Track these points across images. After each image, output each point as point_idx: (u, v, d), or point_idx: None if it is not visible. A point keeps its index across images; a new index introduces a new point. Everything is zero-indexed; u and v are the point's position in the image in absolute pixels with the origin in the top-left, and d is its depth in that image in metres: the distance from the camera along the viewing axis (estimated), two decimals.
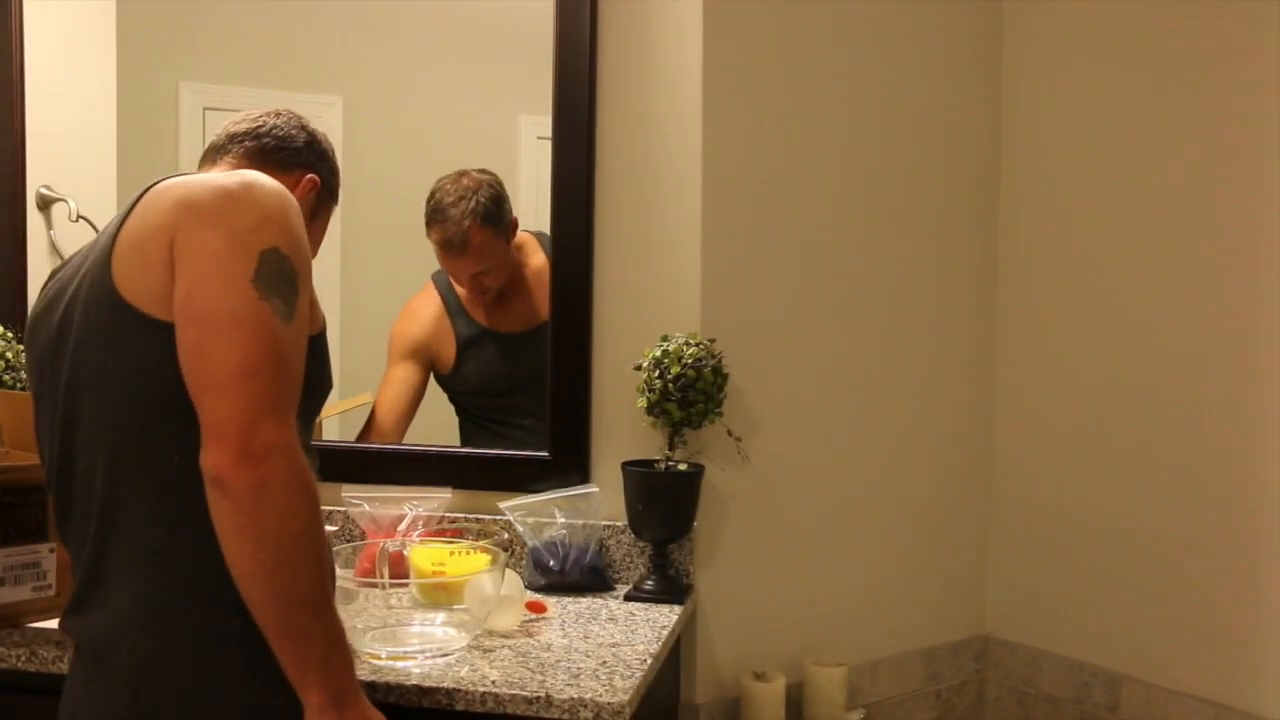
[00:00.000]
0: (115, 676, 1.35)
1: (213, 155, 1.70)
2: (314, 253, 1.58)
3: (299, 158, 1.73)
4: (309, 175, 1.73)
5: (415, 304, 2.60)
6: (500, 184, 2.50)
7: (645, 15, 2.26)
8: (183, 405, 1.29)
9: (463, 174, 2.49)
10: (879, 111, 2.48)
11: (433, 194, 2.49)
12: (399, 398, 2.54)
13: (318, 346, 1.44)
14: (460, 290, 2.55)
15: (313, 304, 1.42)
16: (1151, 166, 2.35)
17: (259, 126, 1.71)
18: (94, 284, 1.36)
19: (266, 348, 1.27)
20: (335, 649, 1.30)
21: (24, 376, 2.41)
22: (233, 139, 1.70)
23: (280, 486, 1.24)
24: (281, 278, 1.30)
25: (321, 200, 1.77)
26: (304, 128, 1.76)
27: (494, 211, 2.48)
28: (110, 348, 1.34)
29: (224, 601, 1.30)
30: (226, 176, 1.37)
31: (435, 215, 2.48)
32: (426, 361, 2.55)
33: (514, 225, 2.52)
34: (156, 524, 1.34)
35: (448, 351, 2.54)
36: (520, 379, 2.53)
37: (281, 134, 1.73)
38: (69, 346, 1.39)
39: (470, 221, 2.45)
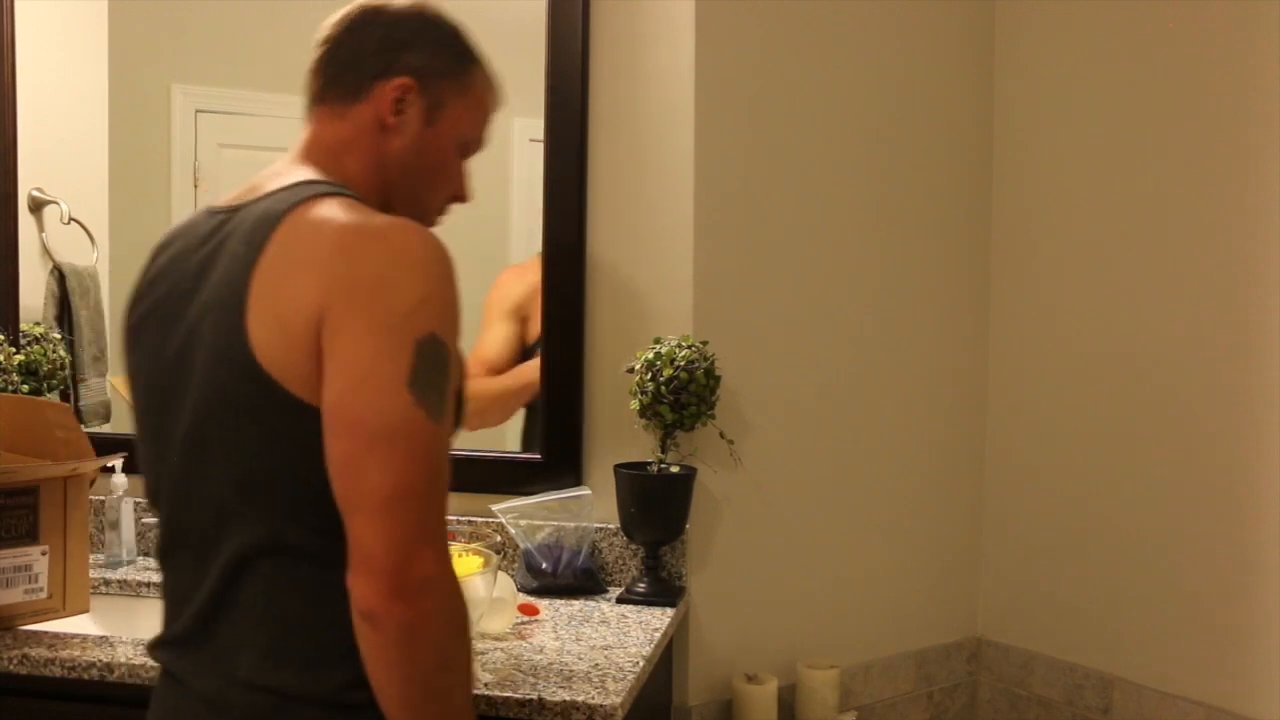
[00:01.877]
0: None
1: (309, 97, 1.43)
2: (450, 157, 1.44)
3: (369, 67, 1.38)
4: (395, 82, 1.38)
5: (515, 270, 2.59)
6: None
7: (637, 17, 2.26)
8: (326, 490, 1.18)
9: None
10: (871, 112, 2.49)
11: None
12: (504, 351, 2.55)
13: (456, 401, 1.30)
14: None
15: (459, 360, 1.29)
16: (1144, 160, 2.35)
17: (330, 48, 1.40)
18: (225, 337, 1.23)
19: (423, 465, 1.15)
20: None
21: (15, 379, 2.41)
22: (316, 73, 1.42)
23: (436, 623, 1.15)
24: (436, 368, 1.17)
25: (431, 90, 1.40)
26: (383, 17, 1.40)
27: None
28: (251, 416, 1.22)
29: (348, 674, 1.23)
30: (375, 230, 1.22)
31: None
32: (520, 321, 2.57)
33: None
34: (291, 594, 1.25)
35: (537, 317, 2.54)
36: None
37: (347, 49, 1.40)
38: (189, 389, 1.28)
39: None
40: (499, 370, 2.54)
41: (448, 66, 1.41)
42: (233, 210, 1.32)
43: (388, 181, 1.39)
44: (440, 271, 1.22)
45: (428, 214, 1.45)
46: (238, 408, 1.23)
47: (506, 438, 2.53)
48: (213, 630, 1.29)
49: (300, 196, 1.26)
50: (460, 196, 1.49)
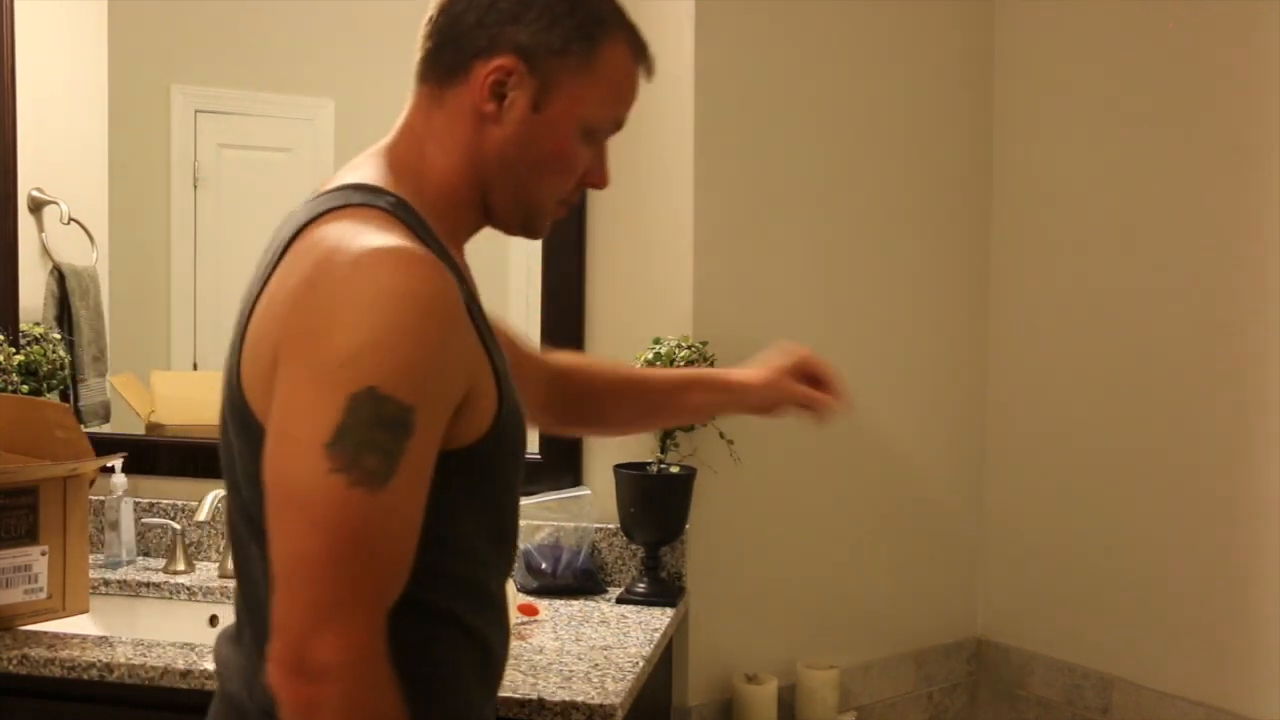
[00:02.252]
0: None
1: (415, 76, 1.25)
2: (568, 145, 1.22)
3: (473, 41, 1.18)
4: (494, 63, 1.17)
5: None
6: None
7: (637, 17, 2.24)
8: None
9: None
10: (872, 113, 2.49)
11: None
12: None
13: (476, 457, 1.15)
14: None
15: (471, 406, 1.12)
16: (1144, 166, 2.35)
17: (433, 16, 1.22)
18: (230, 360, 1.15)
19: (331, 538, 1.00)
20: None
21: (15, 379, 2.41)
22: (421, 46, 1.24)
23: (332, 715, 1.01)
24: (378, 427, 1.01)
25: (541, 70, 1.19)
26: None
27: None
28: (240, 445, 1.15)
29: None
30: (342, 262, 1.06)
31: None
32: None
33: None
34: None
35: None
36: None
37: (450, 18, 1.20)
38: (222, 408, 1.19)
39: None
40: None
41: (565, 40, 1.19)
42: (306, 201, 1.21)
43: (483, 178, 1.22)
44: (406, 311, 1.04)
45: (541, 209, 1.27)
46: (232, 433, 1.16)
47: None
48: (242, 637, 1.24)
49: (326, 207, 1.14)
50: (596, 181, 1.29)
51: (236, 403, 1.13)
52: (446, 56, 1.20)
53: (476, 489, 1.18)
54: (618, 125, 1.28)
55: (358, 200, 1.14)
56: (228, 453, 1.19)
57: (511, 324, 1.49)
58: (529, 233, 1.29)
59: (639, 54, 1.27)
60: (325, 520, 1.01)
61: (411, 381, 1.03)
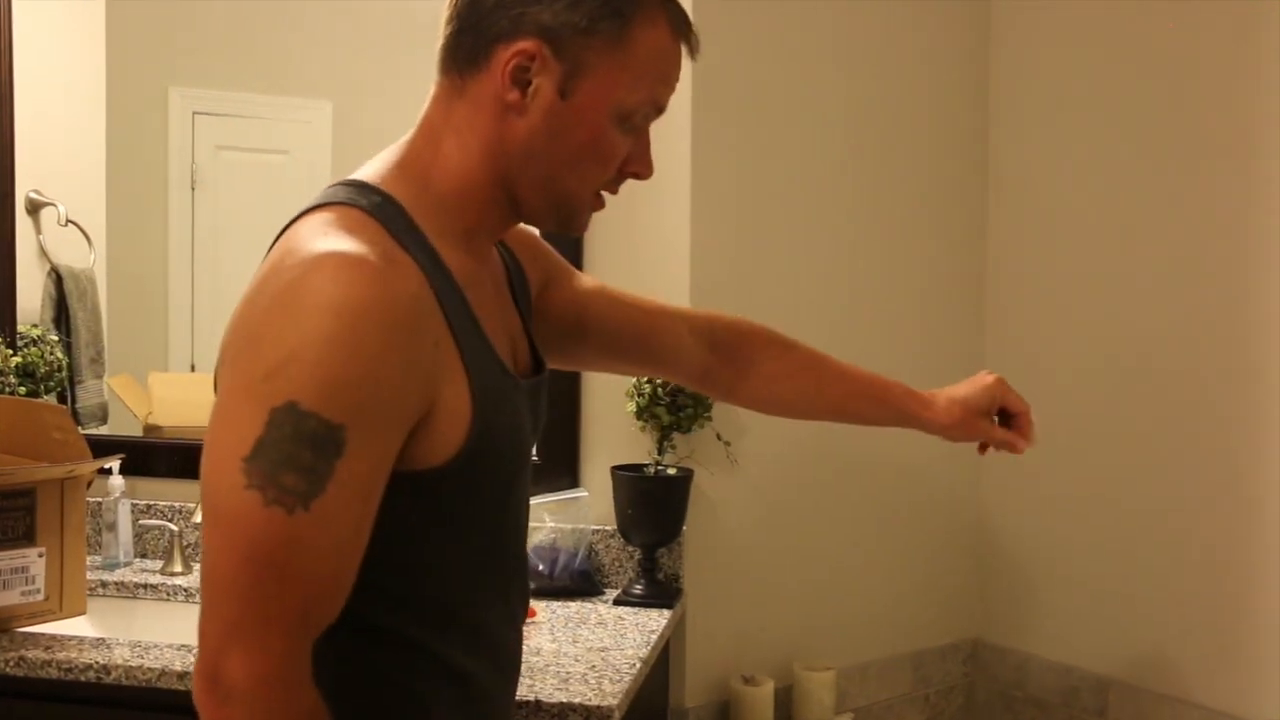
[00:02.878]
0: None
1: (438, 64, 1.17)
2: (602, 133, 1.13)
3: (494, 23, 1.10)
4: (515, 47, 1.09)
5: None
6: None
7: None
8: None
9: None
10: (868, 114, 2.49)
11: None
12: None
13: (447, 479, 1.08)
14: None
15: (432, 425, 1.06)
16: (1141, 167, 2.36)
17: (452, 6, 1.13)
18: (217, 363, 1.08)
19: (242, 557, 0.96)
20: None
21: (12, 381, 2.41)
22: (445, 31, 1.14)
23: None
24: (300, 444, 0.95)
25: (568, 53, 1.09)
26: None
27: None
28: None
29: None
30: (288, 266, 1.01)
31: None
32: None
33: None
34: (335, 669, 1.08)
35: None
36: None
37: (467, 5, 1.12)
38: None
39: None
40: None
41: (592, 19, 1.09)
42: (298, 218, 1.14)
43: (507, 172, 1.14)
44: (343, 324, 0.97)
45: (578, 203, 1.19)
46: None
47: None
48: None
49: (309, 205, 1.10)
50: (638, 171, 1.22)
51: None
52: (467, 42, 1.11)
53: (451, 513, 1.11)
54: (659, 109, 1.18)
55: (341, 198, 1.09)
56: None
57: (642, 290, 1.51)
58: (567, 228, 1.21)
59: (679, 30, 1.15)
60: (238, 538, 0.96)
61: (341, 398, 0.97)
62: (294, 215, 1.10)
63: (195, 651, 1.01)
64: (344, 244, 1.01)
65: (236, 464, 0.96)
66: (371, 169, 1.16)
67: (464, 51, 1.12)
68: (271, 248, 1.08)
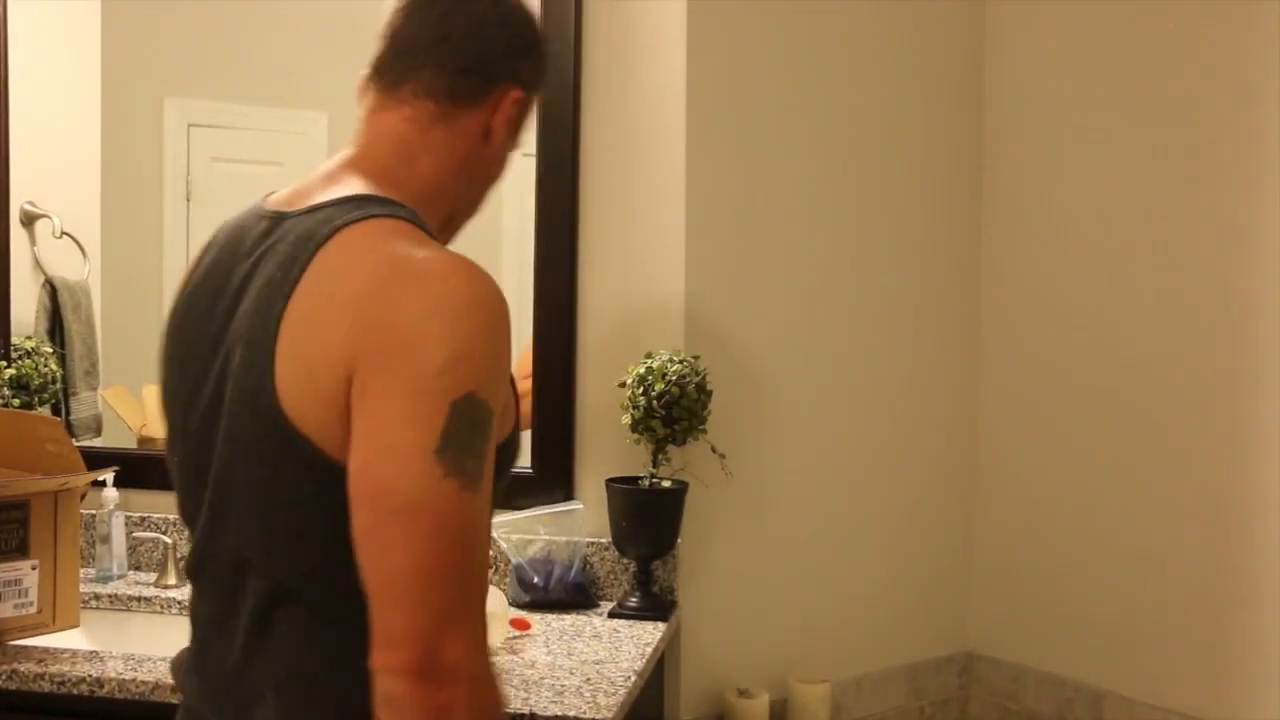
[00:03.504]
0: None
1: (389, 78, 1.26)
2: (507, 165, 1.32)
3: (498, 72, 1.27)
4: (513, 95, 1.28)
5: None
6: None
7: (629, 32, 2.27)
8: (350, 551, 1.08)
9: None
10: (862, 127, 2.50)
11: None
12: None
13: (503, 454, 1.18)
14: None
15: (505, 409, 1.16)
16: (1135, 166, 2.36)
17: (449, 32, 1.25)
18: (252, 378, 1.12)
19: (452, 541, 1.04)
20: None
21: (6, 393, 2.40)
22: (411, 53, 1.25)
23: (463, 713, 1.04)
24: (474, 431, 1.06)
25: (527, 104, 1.32)
26: (505, 12, 1.28)
27: None
28: (271, 470, 1.13)
29: None
30: (416, 273, 1.09)
31: None
32: None
33: None
34: (309, 651, 1.17)
35: None
36: None
37: (478, 45, 1.26)
38: (219, 422, 1.17)
39: None
40: None
41: (539, 81, 1.33)
42: (279, 217, 1.20)
43: (458, 189, 1.28)
44: (485, 319, 1.09)
45: (473, 211, 1.36)
46: (261, 456, 1.13)
47: None
48: (241, 678, 1.20)
49: (346, 218, 1.15)
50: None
51: (275, 424, 1.10)
52: (471, 82, 1.25)
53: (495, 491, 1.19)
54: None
55: (380, 212, 1.16)
56: (248, 476, 1.15)
57: None
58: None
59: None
60: (445, 526, 1.04)
61: (495, 387, 1.09)
62: (317, 231, 1.14)
63: (378, 648, 1.05)
64: (445, 251, 1.14)
65: (429, 456, 1.03)
66: (358, 185, 1.21)
67: (467, 88, 1.25)
68: (316, 254, 1.12)
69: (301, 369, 1.09)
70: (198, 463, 1.21)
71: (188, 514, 1.27)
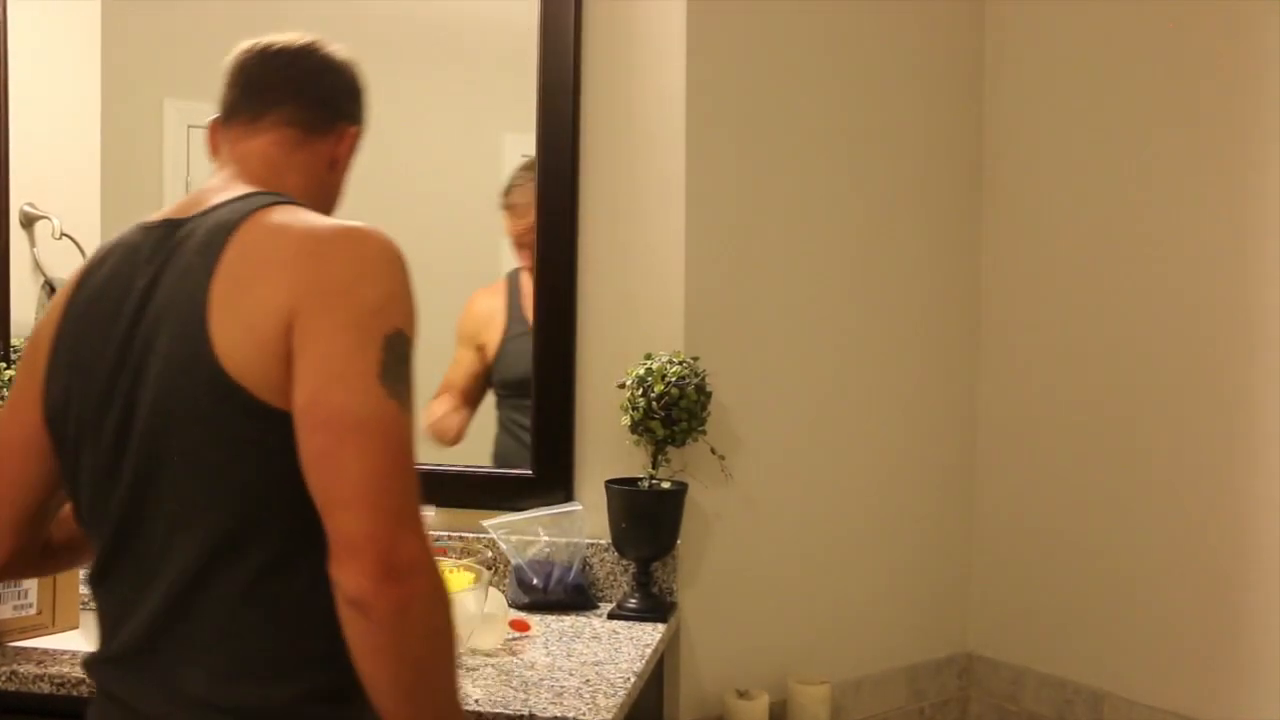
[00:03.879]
0: None
1: (249, 112, 1.47)
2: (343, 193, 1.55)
3: (341, 110, 1.50)
4: (352, 129, 1.51)
5: (482, 292, 2.64)
6: None
7: (629, 34, 2.27)
8: (293, 494, 1.20)
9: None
10: (862, 128, 2.50)
11: (513, 173, 2.60)
12: (464, 377, 2.63)
13: None
14: (525, 287, 2.58)
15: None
16: (1137, 166, 2.36)
17: (297, 75, 1.48)
18: (186, 347, 1.23)
19: (398, 453, 1.19)
20: None
21: (5, 395, 2.40)
22: (268, 90, 1.47)
23: (423, 604, 1.17)
24: (403, 362, 1.23)
25: (357, 139, 1.55)
26: (341, 66, 1.52)
27: None
28: (213, 427, 1.23)
29: (310, 692, 1.26)
30: (338, 235, 1.26)
31: (510, 185, 2.56)
32: (477, 348, 2.61)
33: None
34: (251, 609, 1.25)
35: (494, 341, 2.58)
36: None
37: (323, 85, 1.49)
38: (139, 401, 1.27)
39: (529, 184, 2.50)
40: (461, 395, 2.60)
41: (365, 120, 1.56)
42: (176, 223, 1.34)
43: (314, 206, 1.41)
44: (401, 271, 1.28)
45: None
46: (201, 417, 1.23)
47: (479, 453, 2.56)
48: (158, 647, 1.28)
49: (254, 205, 1.31)
50: None
51: (216, 383, 1.21)
52: (320, 113, 1.47)
53: None
54: None
55: (282, 200, 1.35)
56: (186, 441, 1.24)
57: None
58: None
59: None
60: (393, 440, 1.19)
61: (412, 324, 1.26)
62: (228, 218, 1.30)
63: (340, 557, 1.17)
64: (351, 221, 1.31)
65: (374, 381, 1.19)
66: (242, 187, 1.39)
67: (317, 120, 1.47)
68: (232, 234, 1.27)
69: (239, 326, 1.22)
70: (111, 462, 1.29)
71: (97, 513, 1.33)
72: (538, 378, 2.30)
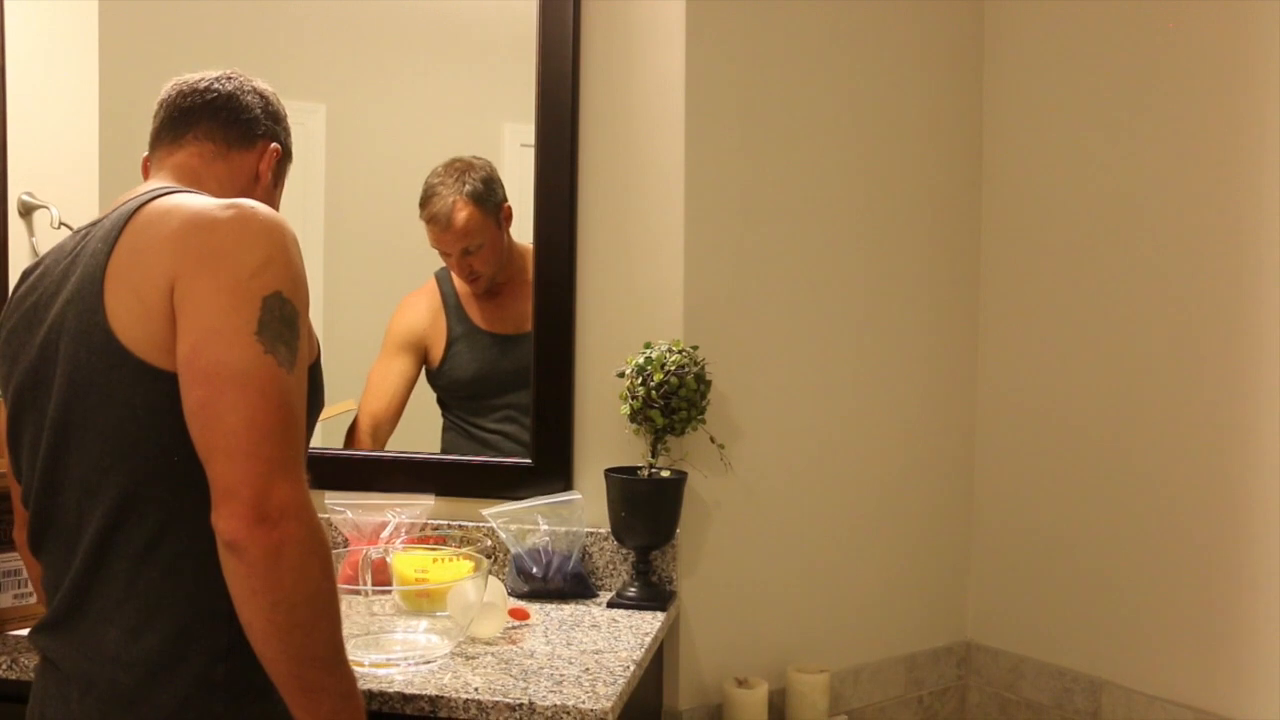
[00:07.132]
0: (95, 706, 1.34)
1: (171, 135, 1.60)
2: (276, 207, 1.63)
3: (259, 127, 1.64)
4: (271, 145, 1.64)
5: (414, 297, 2.63)
6: (492, 168, 2.54)
7: (628, 23, 2.26)
8: (185, 453, 1.28)
9: (456, 159, 2.55)
10: (861, 118, 2.49)
11: (428, 177, 2.56)
12: (392, 388, 2.59)
13: (314, 374, 1.43)
14: (459, 286, 2.58)
15: (309, 333, 1.39)
16: (1137, 164, 2.36)
17: (214, 98, 1.61)
18: (85, 320, 1.33)
19: (275, 405, 1.26)
20: (347, 700, 1.32)
21: None
22: (188, 114, 1.60)
23: (295, 549, 1.24)
24: (284, 323, 1.29)
25: (281, 165, 1.69)
26: (257, 91, 1.66)
27: (483, 191, 2.53)
28: (107, 392, 1.32)
29: (211, 647, 1.33)
30: (222, 209, 1.34)
31: (427, 193, 2.55)
32: (419, 354, 2.60)
33: (507, 212, 2.54)
34: (151, 566, 1.33)
35: (438, 345, 2.58)
36: (503, 382, 2.55)
37: (239, 105, 1.62)
38: (55, 377, 1.37)
39: (457, 197, 2.50)
40: (383, 401, 2.58)
41: (289, 147, 1.70)
42: (96, 222, 1.44)
43: None
44: (283, 237, 1.34)
45: None
46: (99, 385, 1.32)
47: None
48: (83, 610, 1.36)
49: (152, 194, 1.41)
50: None
51: (109, 350, 1.30)
52: (238, 129, 1.61)
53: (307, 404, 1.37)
54: None
55: (182, 189, 1.45)
56: (88, 409, 1.33)
57: None
58: None
59: None
60: (269, 391, 1.26)
61: (299, 290, 1.33)
62: (128, 207, 1.39)
63: (217, 503, 1.25)
64: (239, 199, 1.39)
65: (249, 336, 1.26)
66: (165, 185, 1.48)
67: (235, 135, 1.61)
68: (129, 220, 1.36)
69: (129, 296, 1.31)
70: (35, 437, 1.40)
71: (28, 488, 1.44)
72: (537, 367, 2.30)
